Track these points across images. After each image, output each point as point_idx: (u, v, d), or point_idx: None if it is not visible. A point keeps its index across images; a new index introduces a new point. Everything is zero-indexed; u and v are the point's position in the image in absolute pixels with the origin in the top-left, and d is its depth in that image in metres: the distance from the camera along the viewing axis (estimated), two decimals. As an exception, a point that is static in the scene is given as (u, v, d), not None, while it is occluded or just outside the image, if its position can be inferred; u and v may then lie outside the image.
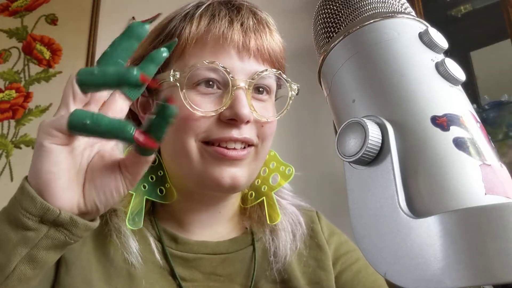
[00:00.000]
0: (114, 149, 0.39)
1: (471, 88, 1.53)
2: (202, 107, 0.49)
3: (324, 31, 0.29)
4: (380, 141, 0.23)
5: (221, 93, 0.51)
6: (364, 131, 0.21)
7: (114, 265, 0.50)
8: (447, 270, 0.19)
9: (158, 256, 0.52)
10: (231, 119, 0.49)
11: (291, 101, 0.56)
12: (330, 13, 0.28)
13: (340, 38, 0.26)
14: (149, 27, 0.36)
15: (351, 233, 0.26)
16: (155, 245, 0.53)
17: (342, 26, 0.28)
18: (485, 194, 0.22)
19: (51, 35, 1.98)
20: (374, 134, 0.22)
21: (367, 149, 0.23)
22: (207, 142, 0.50)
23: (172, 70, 0.50)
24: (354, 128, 0.22)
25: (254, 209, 0.60)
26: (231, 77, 0.49)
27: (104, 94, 0.37)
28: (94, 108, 0.36)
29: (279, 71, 0.54)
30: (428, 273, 0.20)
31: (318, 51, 0.31)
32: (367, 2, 0.27)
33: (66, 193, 0.34)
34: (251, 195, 0.60)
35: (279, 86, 0.57)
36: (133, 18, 1.90)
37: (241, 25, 0.52)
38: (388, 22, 0.25)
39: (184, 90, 0.49)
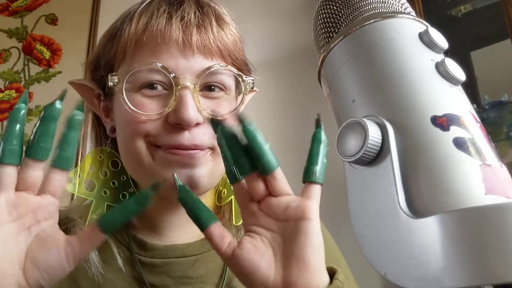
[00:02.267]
0: (54, 227, 0.37)
1: (471, 88, 1.53)
2: (148, 109, 0.47)
3: (324, 31, 0.29)
4: (380, 141, 0.23)
5: (168, 95, 0.48)
6: (364, 131, 0.21)
7: (79, 279, 0.49)
8: (447, 270, 0.19)
9: (121, 265, 0.51)
10: (178, 123, 0.46)
11: (246, 96, 0.53)
12: (330, 13, 0.28)
13: (340, 38, 0.26)
14: (60, 105, 0.37)
15: (351, 233, 0.26)
16: (118, 254, 0.51)
17: (342, 26, 0.27)
18: (485, 194, 0.22)
19: (51, 35, 1.98)
20: (374, 134, 0.22)
21: (367, 149, 0.23)
22: (157, 146, 0.48)
23: (109, 75, 0.48)
24: (354, 128, 0.22)
25: (226, 208, 0.58)
26: (173, 76, 0.46)
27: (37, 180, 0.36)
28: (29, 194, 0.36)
29: (227, 65, 0.50)
30: (428, 273, 0.20)
31: (318, 51, 0.31)
32: (367, 2, 0.27)
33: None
34: (224, 193, 0.58)
35: (238, 80, 0.53)
36: (133, 18, 1.90)
37: (181, 19, 0.48)
38: (388, 22, 0.25)
39: (123, 95, 0.47)
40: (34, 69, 1.91)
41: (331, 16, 0.28)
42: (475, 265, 0.18)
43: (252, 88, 0.54)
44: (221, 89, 0.51)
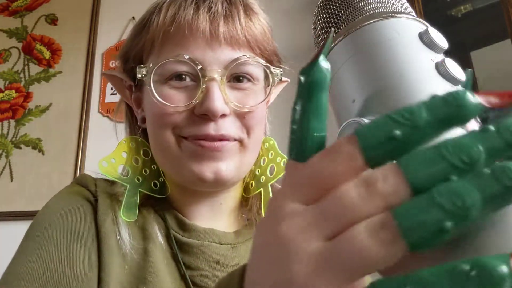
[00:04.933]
0: None
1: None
2: (175, 101, 0.47)
3: (324, 31, 0.29)
4: None
5: (195, 86, 0.48)
6: None
7: (122, 251, 0.49)
8: None
9: (162, 241, 0.51)
10: (204, 114, 0.47)
11: (273, 88, 0.53)
12: (330, 13, 0.28)
13: (340, 38, 0.26)
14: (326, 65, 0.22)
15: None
16: (159, 232, 0.51)
17: (342, 26, 0.27)
18: None
19: (51, 35, 1.99)
20: (373, 134, 0.22)
21: (367, 149, 0.22)
22: (184, 137, 0.48)
23: (138, 67, 0.49)
24: (353, 128, 0.22)
25: (254, 200, 0.58)
26: (200, 68, 0.46)
27: None
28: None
29: (254, 56, 0.50)
30: None
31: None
32: (367, 2, 0.27)
33: None
34: (251, 185, 0.58)
35: (266, 72, 0.53)
36: (133, 18, 1.90)
37: (208, 10, 0.48)
38: (388, 22, 0.25)
39: (150, 86, 0.47)
40: (34, 69, 1.91)
41: (331, 16, 0.28)
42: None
43: (281, 79, 0.53)
44: (249, 80, 0.50)
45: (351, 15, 0.27)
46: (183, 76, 0.48)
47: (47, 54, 1.92)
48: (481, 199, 0.16)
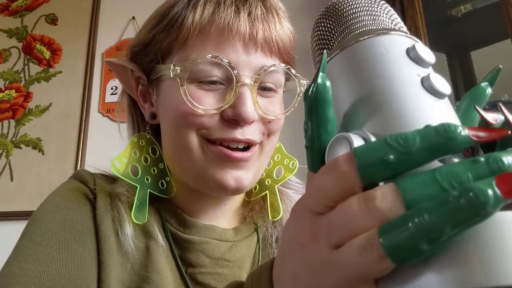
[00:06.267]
0: None
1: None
2: (204, 103, 0.46)
3: (318, 48, 0.30)
4: None
5: (225, 89, 0.47)
6: (350, 146, 0.22)
7: (124, 249, 0.49)
8: (428, 274, 0.18)
9: (163, 239, 0.51)
10: (234, 119, 0.47)
11: (299, 98, 0.53)
12: (323, 31, 0.29)
13: (331, 56, 0.27)
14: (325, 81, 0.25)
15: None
16: (160, 230, 0.51)
17: (335, 44, 0.28)
18: None
19: (51, 35, 1.99)
20: (358, 148, 0.23)
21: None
22: (209, 140, 0.48)
23: (172, 65, 0.47)
24: (341, 143, 0.23)
25: (256, 201, 0.59)
26: (236, 73, 0.46)
27: None
28: None
29: (288, 66, 0.50)
30: (407, 275, 0.19)
31: (315, 67, 0.32)
32: (357, 20, 0.28)
33: None
34: (255, 188, 0.59)
35: (287, 78, 0.53)
36: (133, 18, 1.90)
37: (249, 14, 0.47)
38: (377, 39, 0.26)
39: (184, 86, 0.46)
40: (34, 69, 1.91)
41: (324, 34, 0.29)
42: (456, 269, 0.18)
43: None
44: (275, 87, 0.51)
45: (343, 33, 0.28)
46: (215, 80, 0.47)
47: (47, 54, 1.93)
48: (448, 219, 0.17)
